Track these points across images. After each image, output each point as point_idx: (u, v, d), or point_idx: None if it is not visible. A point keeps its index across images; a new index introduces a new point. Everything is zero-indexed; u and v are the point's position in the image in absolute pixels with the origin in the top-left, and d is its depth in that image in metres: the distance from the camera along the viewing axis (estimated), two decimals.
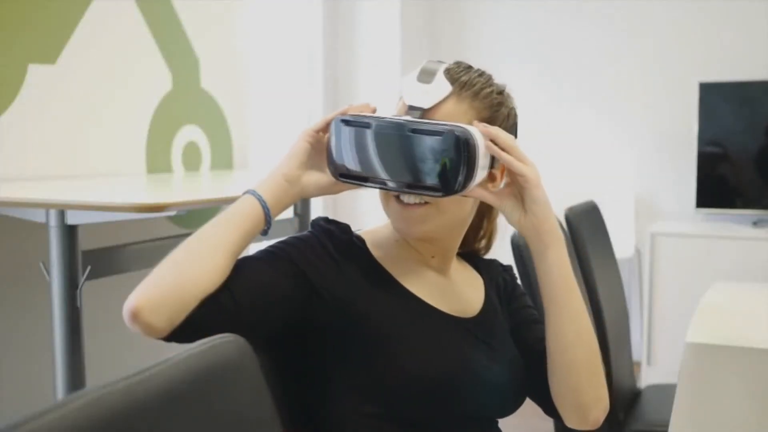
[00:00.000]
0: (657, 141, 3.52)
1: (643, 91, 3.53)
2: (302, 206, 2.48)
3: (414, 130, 0.92)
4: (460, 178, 0.91)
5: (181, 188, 1.92)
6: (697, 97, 3.24)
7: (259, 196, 0.95)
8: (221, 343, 0.69)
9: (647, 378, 3.12)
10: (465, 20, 3.78)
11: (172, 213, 1.48)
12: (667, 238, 3.13)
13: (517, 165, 0.94)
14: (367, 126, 0.95)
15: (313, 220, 1.04)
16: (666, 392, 1.95)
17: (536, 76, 3.66)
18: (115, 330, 2.08)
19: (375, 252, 1.04)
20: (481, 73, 1.04)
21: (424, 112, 0.96)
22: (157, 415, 0.58)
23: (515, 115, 1.06)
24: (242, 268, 0.92)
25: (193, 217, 2.36)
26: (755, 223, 3.22)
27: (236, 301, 0.89)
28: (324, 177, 1.00)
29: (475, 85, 1.00)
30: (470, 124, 0.96)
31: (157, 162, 2.23)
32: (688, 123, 3.36)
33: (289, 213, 2.49)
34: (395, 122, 0.94)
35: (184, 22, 2.30)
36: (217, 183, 2.12)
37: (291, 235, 1.01)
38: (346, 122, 0.97)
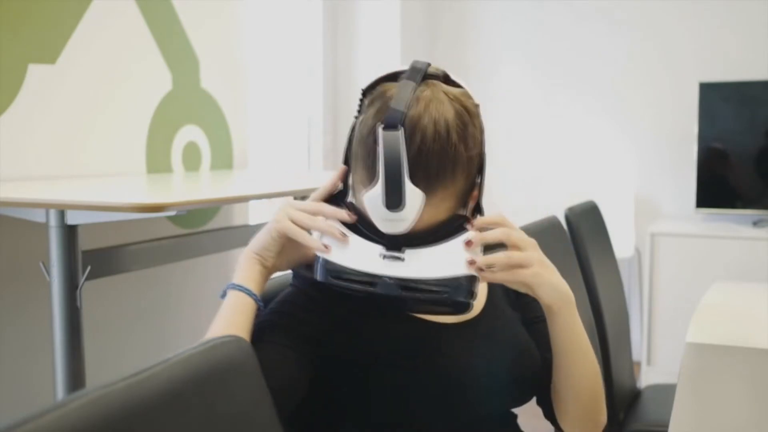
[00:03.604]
0: (657, 141, 3.52)
1: (643, 91, 3.53)
2: None
3: (418, 301, 0.90)
4: (471, 300, 0.90)
5: (181, 188, 1.92)
6: (697, 97, 3.24)
7: (247, 290, 0.95)
8: (221, 343, 0.69)
9: (647, 378, 3.12)
10: (465, 20, 3.78)
11: (172, 213, 1.48)
12: (667, 238, 3.13)
13: (516, 281, 0.93)
14: (362, 289, 0.89)
15: (295, 273, 1.03)
16: (666, 392, 1.95)
17: (536, 75, 3.67)
18: (115, 330, 2.09)
19: None
20: (447, 132, 0.88)
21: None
22: (157, 415, 0.58)
23: (483, 140, 0.95)
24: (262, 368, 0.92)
25: (193, 217, 2.36)
26: (755, 223, 3.22)
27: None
28: (299, 254, 0.99)
29: (446, 170, 0.88)
30: (454, 209, 0.92)
31: (157, 162, 2.23)
32: (688, 123, 3.36)
33: None
34: (393, 296, 0.89)
35: (184, 22, 2.30)
36: (217, 183, 2.12)
37: (278, 303, 1.00)
38: (335, 276, 0.90)
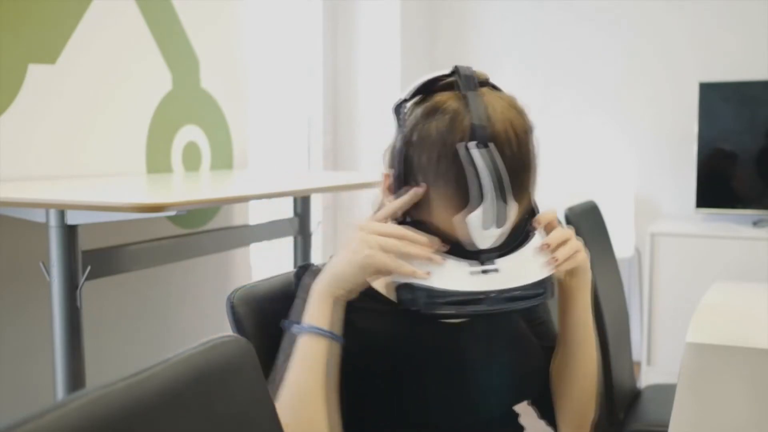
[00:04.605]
0: (657, 141, 3.52)
1: (643, 91, 3.53)
2: (302, 206, 2.48)
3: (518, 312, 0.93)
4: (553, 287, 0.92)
5: (181, 188, 1.92)
6: (697, 97, 3.24)
7: (338, 338, 0.90)
8: (221, 343, 0.69)
9: (647, 378, 3.12)
10: (465, 20, 3.78)
11: (172, 213, 1.48)
12: (667, 238, 3.13)
13: (573, 267, 0.95)
14: (469, 310, 0.88)
15: (300, 282, 0.99)
16: (666, 392, 1.94)
17: (536, 75, 3.67)
18: (115, 330, 2.09)
19: (376, 283, 1.01)
20: (525, 142, 0.90)
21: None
22: (157, 415, 0.58)
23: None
24: None
25: (193, 217, 2.36)
26: (755, 223, 3.22)
27: None
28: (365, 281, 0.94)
29: (530, 179, 0.91)
30: (529, 211, 0.93)
31: (157, 162, 2.23)
32: (688, 123, 3.36)
33: (289, 213, 2.50)
34: (498, 310, 0.89)
35: (184, 22, 2.30)
36: (217, 183, 2.12)
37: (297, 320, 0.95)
38: (443, 302, 0.88)
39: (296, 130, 3.38)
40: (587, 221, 1.94)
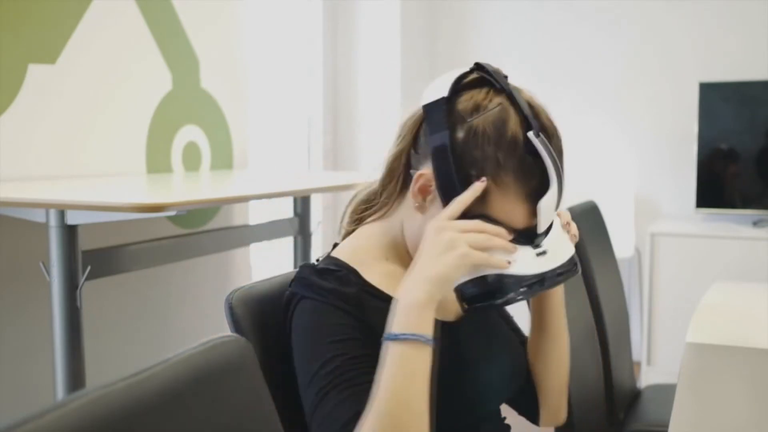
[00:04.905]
0: (657, 141, 3.52)
1: (643, 91, 3.53)
2: (302, 206, 2.48)
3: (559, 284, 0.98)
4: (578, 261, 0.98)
5: (181, 188, 1.93)
6: (697, 97, 3.24)
7: (426, 339, 0.86)
8: (221, 343, 0.69)
9: (647, 378, 3.12)
10: (465, 20, 3.78)
11: (172, 213, 1.48)
12: (667, 238, 3.13)
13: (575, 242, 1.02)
14: (535, 290, 0.92)
15: (304, 283, 0.96)
16: (666, 392, 1.94)
17: (536, 75, 3.66)
18: (115, 330, 2.09)
19: (375, 281, 0.99)
20: (558, 128, 0.96)
21: None
22: (157, 415, 0.58)
23: None
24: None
25: (193, 217, 2.36)
26: (755, 223, 3.22)
27: None
28: None
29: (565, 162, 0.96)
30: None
31: (157, 162, 2.23)
32: (688, 123, 3.36)
33: (289, 213, 2.50)
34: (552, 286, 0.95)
35: (184, 22, 2.30)
36: (217, 183, 2.12)
37: (327, 329, 0.92)
38: (523, 286, 0.90)
39: (296, 130, 3.38)
40: (587, 221, 1.94)
